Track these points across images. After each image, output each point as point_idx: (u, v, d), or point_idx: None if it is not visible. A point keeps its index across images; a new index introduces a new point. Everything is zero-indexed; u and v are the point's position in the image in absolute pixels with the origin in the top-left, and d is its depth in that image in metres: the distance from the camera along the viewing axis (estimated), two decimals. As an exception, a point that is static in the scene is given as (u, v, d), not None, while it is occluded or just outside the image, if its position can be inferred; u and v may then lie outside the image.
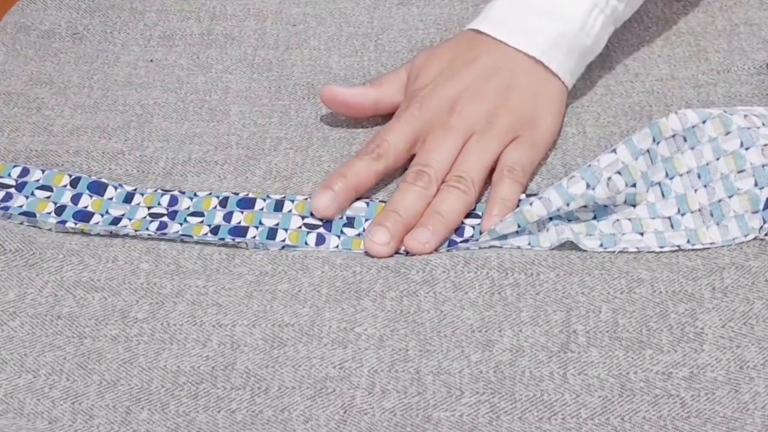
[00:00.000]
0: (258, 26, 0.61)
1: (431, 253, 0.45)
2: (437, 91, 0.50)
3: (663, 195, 0.47)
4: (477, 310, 0.42)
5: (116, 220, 0.47)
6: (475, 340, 0.41)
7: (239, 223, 0.47)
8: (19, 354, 0.41)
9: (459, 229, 0.47)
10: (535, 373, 0.40)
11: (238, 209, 0.48)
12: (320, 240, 0.47)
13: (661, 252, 0.45)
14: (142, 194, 0.49)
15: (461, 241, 0.46)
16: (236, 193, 0.49)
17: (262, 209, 0.47)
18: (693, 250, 0.45)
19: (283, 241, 0.46)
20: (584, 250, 0.45)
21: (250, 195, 0.48)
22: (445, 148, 0.49)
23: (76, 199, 0.48)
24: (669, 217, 0.46)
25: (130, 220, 0.47)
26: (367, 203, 0.48)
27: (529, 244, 0.45)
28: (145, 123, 0.54)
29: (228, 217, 0.47)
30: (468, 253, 0.45)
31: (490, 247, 0.45)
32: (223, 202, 0.48)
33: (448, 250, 0.46)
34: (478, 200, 0.48)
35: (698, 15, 0.59)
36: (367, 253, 0.46)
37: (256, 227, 0.47)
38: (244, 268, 0.45)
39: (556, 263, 0.44)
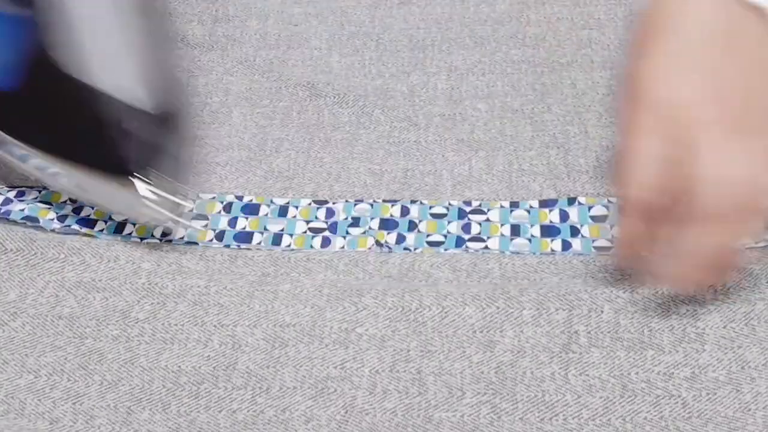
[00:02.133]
0: (259, 26, 0.61)
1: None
2: None
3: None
4: (479, 306, 0.42)
5: (120, 226, 0.47)
6: (477, 340, 0.41)
7: (244, 228, 0.47)
8: (21, 354, 0.41)
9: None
10: (536, 374, 0.40)
11: (243, 215, 0.48)
12: (326, 242, 0.46)
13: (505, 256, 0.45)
14: None
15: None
16: (240, 198, 0.48)
17: (266, 215, 0.47)
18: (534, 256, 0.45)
19: (289, 246, 0.46)
20: (587, 257, 0.45)
21: (255, 201, 0.48)
22: None
23: (77, 210, 0.48)
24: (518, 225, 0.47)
25: (134, 225, 0.47)
26: (372, 204, 0.48)
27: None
28: None
29: (233, 223, 0.47)
30: (470, 266, 0.45)
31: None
32: (227, 207, 0.48)
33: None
34: None
35: (700, 15, 0.59)
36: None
37: (261, 233, 0.47)
38: (246, 269, 0.45)
39: (559, 269, 0.44)
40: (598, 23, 0.59)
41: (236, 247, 0.46)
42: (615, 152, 0.39)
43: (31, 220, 0.47)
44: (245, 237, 0.47)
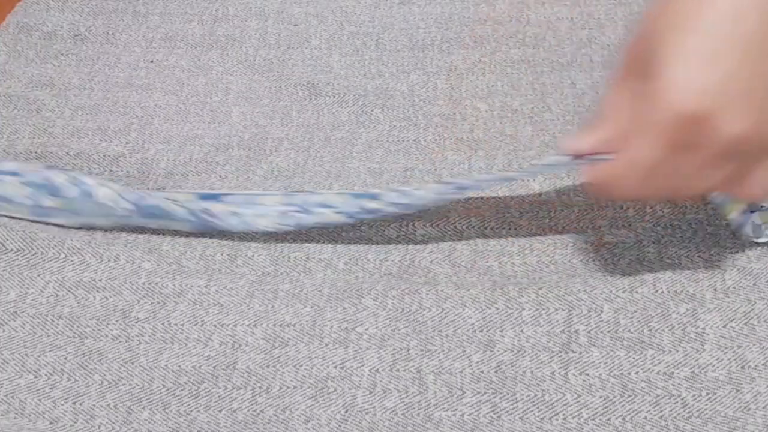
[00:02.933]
0: (259, 26, 0.61)
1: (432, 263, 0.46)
2: None
3: None
4: (479, 307, 0.42)
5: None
6: (477, 339, 0.41)
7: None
8: (20, 354, 0.41)
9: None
10: (536, 373, 0.40)
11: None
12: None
13: (661, 255, 0.45)
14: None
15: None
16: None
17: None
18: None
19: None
20: (586, 255, 0.45)
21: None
22: None
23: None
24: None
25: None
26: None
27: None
28: (145, 125, 0.54)
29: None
30: (470, 263, 0.45)
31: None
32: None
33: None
34: None
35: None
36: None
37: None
38: (246, 269, 0.45)
39: (558, 268, 0.44)
40: (598, 23, 0.59)
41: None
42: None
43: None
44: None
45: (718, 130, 0.31)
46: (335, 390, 0.40)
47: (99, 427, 0.39)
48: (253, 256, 0.46)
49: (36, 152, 0.52)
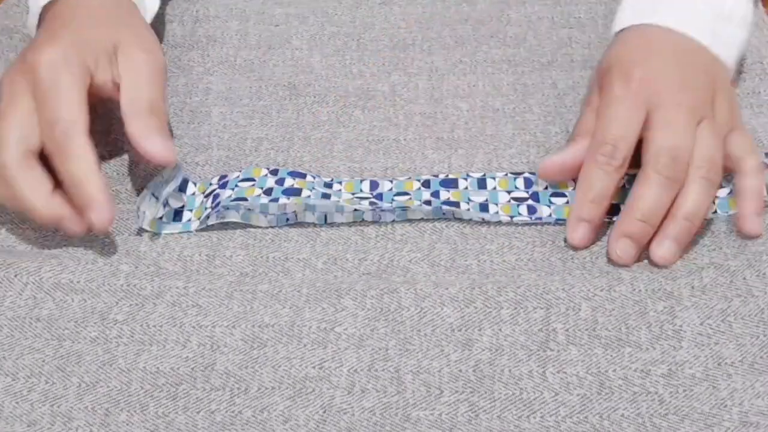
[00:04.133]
0: (240, 27, 0.61)
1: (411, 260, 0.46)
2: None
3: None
4: (457, 306, 0.42)
5: (326, 195, 0.47)
6: (455, 339, 0.41)
7: (292, 186, 0.47)
8: (-2, 357, 0.41)
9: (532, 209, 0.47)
10: (514, 372, 0.40)
11: (290, 177, 0.48)
12: (374, 185, 0.48)
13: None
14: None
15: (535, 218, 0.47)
16: (281, 183, 0.48)
17: (309, 196, 0.47)
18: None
19: (338, 202, 0.46)
20: (565, 253, 0.45)
21: (296, 185, 0.48)
22: (684, 129, 0.44)
23: (280, 182, 0.48)
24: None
25: (341, 183, 0.49)
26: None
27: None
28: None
29: (281, 182, 0.47)
30: (449, 261, 0.45)
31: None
32: (274, 172, 0.48)
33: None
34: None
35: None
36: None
37: (310, 190, 0.47)
38: (225, 269, 0.45)
39: (537, 266, 0.44)
40: (578, 22, 0.59)
41: (285, 198, 0.46)
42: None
43: (241, 200, 0.47)
44: (294, 192, 0.46)
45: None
46: (314, 390, 0.40)
47: (77, 430, 0.39)
48: (231, 256, 0.46)
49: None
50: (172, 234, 0.47)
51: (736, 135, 0.46)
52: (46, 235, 0.47)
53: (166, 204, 0.48)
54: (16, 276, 0.44)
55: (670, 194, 0.43)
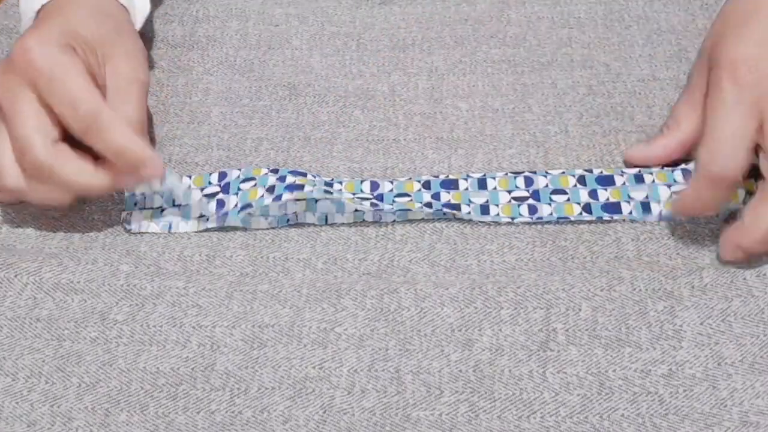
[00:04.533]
0: (240, 27, 0.61)
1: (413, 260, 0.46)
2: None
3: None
4: (457, 306, 0.42)
5: (328, 192, 0.47)
6: (455, 339, 0.41)
7: (294, 182, 0.47)
8: (-2, 357, 0.41)
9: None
10: (514, 372, 0.40)
11: (291, 174, 0.47)
12: (374, 186, 0.48)
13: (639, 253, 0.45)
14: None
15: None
16: (282, 180, 0.48)
17: (312, 191, 0.47)
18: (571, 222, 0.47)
19: (340, 199, 0.46)
20: (565, 253, 0.45)
21: (297, 181, 0.47)
22: None
23: (282, 179, 0.47)
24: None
25: (341, 183, 0.48)
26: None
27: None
28: None
29: (282, 179, 0.47)
30: (449, 261, 0.45)
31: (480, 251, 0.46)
32: (274, 171, 0.48)
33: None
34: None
35: (679, 14, 0.59)
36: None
37: (312, 186, 0.47)
38: (225, 269, 0.45)
39: (537, 266, 0.45)
40: (578, 22, 0.59)
41: (289, 193, 0.46)
42: (702, 130, 0.43)
43: (247, 208, 0.46)
44: (297, 187, 0.46)
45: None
46: (314, 390, 0.40)
47: (76, 430, 0.39)
48: (231, 256, 0.46)
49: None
50: (172, 234, 0.47)
51: None
52: (46, 235, 0.47)
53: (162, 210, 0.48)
54: (16, 276, 0.44)
55: None
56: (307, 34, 0.60)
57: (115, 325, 0.42)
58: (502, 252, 0.46)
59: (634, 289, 0.43)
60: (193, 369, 0.41)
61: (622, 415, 0.38)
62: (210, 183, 0.49)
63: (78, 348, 0.42)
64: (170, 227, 0.47)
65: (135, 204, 0.48)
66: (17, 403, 0.40)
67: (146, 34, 0.60)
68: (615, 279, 0.43)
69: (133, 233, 0.47)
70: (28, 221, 0.48)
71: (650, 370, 0.40)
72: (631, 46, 0.57)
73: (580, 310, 0.42)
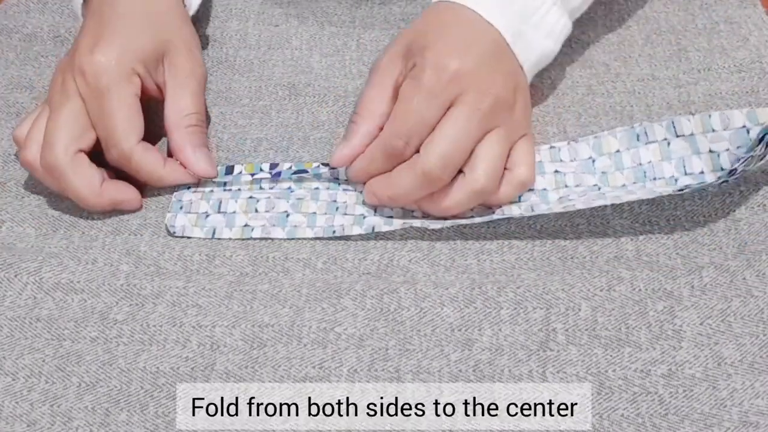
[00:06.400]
0: (240, 27, 0.61)
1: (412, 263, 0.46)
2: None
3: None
4: (457, 306, 0.42)
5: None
6: (455, 339, 0.41)
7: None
8: (-2, 357, 0.41)
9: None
10: (514, 372, 0.40)
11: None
12: (273, 166, 0.50)
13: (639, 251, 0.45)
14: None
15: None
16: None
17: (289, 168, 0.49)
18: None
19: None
20: (565, 252, 0.45)
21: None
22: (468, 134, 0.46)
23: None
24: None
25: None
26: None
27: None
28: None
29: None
30: (449, 261, 0.45)
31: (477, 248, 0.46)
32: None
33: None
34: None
35: (678, 14, 0.59)
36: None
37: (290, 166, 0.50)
38: (224, 269, 0.45)
39: (537, 265, 0.45)
40: (578, 22, 0.59)
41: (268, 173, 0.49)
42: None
43: (302, 172, 0.49)
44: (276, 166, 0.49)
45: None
46: (314, 390, 0.40)
47: (76, 430, 0.39)
48: (231, 256, 0.46)
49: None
50: (172, 234, 0.47)
51: (523, 141, 0.47)
52: (46, 234, 0.47)
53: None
54: (16, 276, 0.44)
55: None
56: (306, 34, 0.60)
57: (115, 324, 0.43)
58: (502, 251, 0.46)
59: (634, 289, 0.43)
60: (193, 369, 0.41)
61: (622, 415, 0.38)
62: (261, 169, 0.50)
63: (78, 348, 0.42)
64: (213, 233, 0.47)
65: (181, 208, 0.48)
66: (17, 402, 0.40)
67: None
68: (614, 279, 0.43)
69: (177, 237, 0.47)
70: (28, 221, 0.48)
71: (650, 370, 0.40)
72: (630, 45, 0.57)
73: (579, 310, 0.42)
